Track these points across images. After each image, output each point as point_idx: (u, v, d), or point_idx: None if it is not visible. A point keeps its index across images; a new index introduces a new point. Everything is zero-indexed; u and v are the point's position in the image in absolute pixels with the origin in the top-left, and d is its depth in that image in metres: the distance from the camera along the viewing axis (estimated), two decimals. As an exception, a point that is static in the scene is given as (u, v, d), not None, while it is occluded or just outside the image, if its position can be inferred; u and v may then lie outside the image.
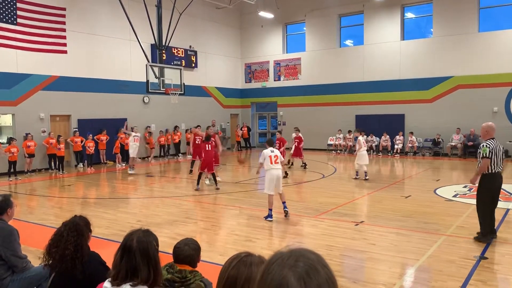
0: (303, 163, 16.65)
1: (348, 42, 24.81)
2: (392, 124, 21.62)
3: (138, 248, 2.50)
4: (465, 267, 5.71)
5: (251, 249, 6.67)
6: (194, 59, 23.63)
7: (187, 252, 3.00)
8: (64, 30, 17.59)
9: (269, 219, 8.48)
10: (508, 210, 9.11)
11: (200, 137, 15.37)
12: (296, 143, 16.24)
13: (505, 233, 7.38)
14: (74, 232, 3.21)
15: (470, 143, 19.29)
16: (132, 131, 16.55)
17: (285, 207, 8.69)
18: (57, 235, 3.26)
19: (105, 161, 18.86)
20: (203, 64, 24.32)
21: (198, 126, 17.01)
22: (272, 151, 8.73)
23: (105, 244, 6.76)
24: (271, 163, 8.56)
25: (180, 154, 21.94)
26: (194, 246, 3.08)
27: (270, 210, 8.52)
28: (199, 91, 23.95)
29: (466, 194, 11.10)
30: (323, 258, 1.05)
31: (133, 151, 16.23)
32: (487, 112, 19.56)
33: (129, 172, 15.84)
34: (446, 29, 20.68)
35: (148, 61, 16.42)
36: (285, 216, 8.66)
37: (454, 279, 5.32)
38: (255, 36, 26.82)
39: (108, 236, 7.36)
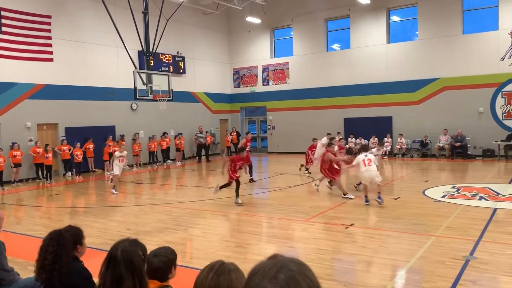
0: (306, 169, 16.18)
1: (335, 46, 25.00)
2: (380, 127, 21.78)
3: (123, 258, 2.48)
4: (454, 267, 5.76)
5: (242, 255, 6.67)
6: (182, 65, 23.60)
7: (155, 264, 2.72)
8: (49, 38, 17.46)
9: (366, 203, 10.01)
10: (495, 209, 9.22)
11: (248, 143, 15.21)
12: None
13: (493, 233, 7.47)
14: (55, 242, 3.13)
15: (458, 144, 19.51)
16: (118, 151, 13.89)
17: (378, 197, 9.97)
18: (41, 245, 3.22)
19: (93, 169, 18.71)
20: (191, 69, 24.30)
21: (249, 132, 16.73)
22: (366, 156, 10.04)
23: (95, 253, 6.68)
24: (364, 165, 9.92)
25: (168, 161, 21.82)
26: (164, 258, 2.80)
27: (366, 196, 10.13)
28: (187, 97, 23.91)
29: (454, 194, 11.21)
30: (308, 267, 1.05)
31: (117, 170, 13.43)
32: (473, 113, 19.85)
33: (114, 192, 13.10)
34: (431, 31, 20.95)
35: (136, 68, 16.37)
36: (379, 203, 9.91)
37: (444, 280, 5.37)
38: (243, 41, 26.89)
39: (98, 245, 7.28)
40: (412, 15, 21.85)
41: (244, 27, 26.08)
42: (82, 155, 17.81)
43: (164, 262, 2.79)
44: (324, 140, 15.96)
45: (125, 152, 13.67)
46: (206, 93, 25.65)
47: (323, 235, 7.77)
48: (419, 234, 7.53)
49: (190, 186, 14.92)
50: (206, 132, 24.17)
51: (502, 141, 18.94)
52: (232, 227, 8.76)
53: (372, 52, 22.41)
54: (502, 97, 19.46)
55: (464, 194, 11.17)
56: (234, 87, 27.61)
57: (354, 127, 22.73)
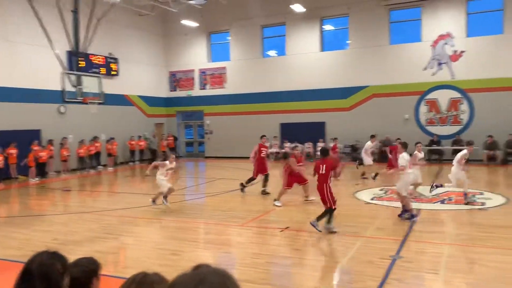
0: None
1: (273, 52, 25.44)
2: (315, 132, 22.42)
3: (38, 271, 2.29)
4: (382, 267, 6.02)
5: (176, 263, 6.52)
6: (115, 66, 22.75)
7: (74, 274, 2.51)
8: (-34, 34, 16.09)
9: (414, 219, 8.60)
10: (420, 210, 9.79)
11: (266, 150, 13.23)
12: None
13: (417, 232, 7.92)
14: None
15: (385, 148, 20.56)
16: (166, 161, 11.06)
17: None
18: None
19: (16, 176, 17.42)
20: (125, 72, 23.48)
21: (264, 136, 13.67)
22: (409, 155, 9.10)
23: (15, 266, 6.20)
24: (410, 166, 9.10)
25: (99, 166, 20.87)
26: (84, 268, 2.61)
27: (408, 210, 8.77)
28: (121, 100, 23.10)
29: (382, 197, 11.78)
30: (231, 279, 1.01)
31: (163, 187, 10.68)
32: (399, 119, 21.06)
33: (166, 204, 10.59)
34: (361, 41, 21.99)
35: (64, 69, 15.55)
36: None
37: (372, 279, 5.59)
38: (179, 44, 26.51)
39: (19, 257, 6.74)
40: (344, 25, 22.78)
41: (181, 30, 25.73)
42: (3, 161, 16.54)
43: (84, 272, 2.59)
44: (368, 144, 15.59)
45: (174, 163, 10.90)
46: (141, 96, 24.94)
47: (258, 239, 7.81)
48: (350, 236, 7.80)
49: (123, 193, 14.39)
50: (142, 136, 23.48)
51: (425, 146, 20.24)
52: (166, 234, 8.55)
53: (307, 60, 23.07)
54: (425, 105, 20.85)
55: (392, 196, 11.75)
56: (170, 91, 27.12)
57: (289, 132, 23.21)
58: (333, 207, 7.88)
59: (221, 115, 25.47)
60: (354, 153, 21.70)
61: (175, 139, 25.94)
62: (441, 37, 20.38)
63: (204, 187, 15.54)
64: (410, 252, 6.73)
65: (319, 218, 7.90)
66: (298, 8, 21.34)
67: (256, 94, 24.37)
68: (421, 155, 11.33)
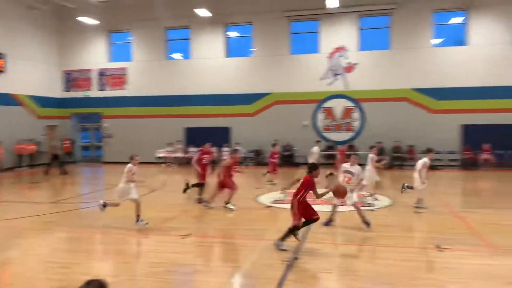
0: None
1: (178, 55, 25.06)
2: (220, 137, 22.49)
3: None
4: (280, 269, 6.20)
5: (65, 276, 6.05)
6: (1, 63, 20.57)
7: None
8: None
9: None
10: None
11: (210, 156, 12.18)
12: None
13: (314, 233, 8.31)
14: None
15: (286, 153, 21.41)
16: (131, 163, 9.49)
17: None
18: None
19: None
20: (12, 69, 21.33)
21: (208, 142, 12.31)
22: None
23: None
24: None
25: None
26: None
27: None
28: (6, 100, 20.96)
29: (283, 200, 12.17)
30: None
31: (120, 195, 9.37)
32: (298, 126, 22.07)
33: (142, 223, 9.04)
34: (264, 49, 22.68)
35: None
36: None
37: (272, 282, 5.72)
38: (76, 42, 24.86)
39: None
40: (248, 33, 23.27)
41: (78, 27, 24.15)
42: None
43: None
44: (316, 148, 15.89)
45: (135, 167, 9.37)
46: (30, 96, 22.89)
47: (158, 248, 7.57)
48: (251, 239, 7.94)
49: (9, 202, 13.04)
50: (32, 139, 21.48)
51: (322, 151, 21.41)
52: (57, 246, 7.89)
53: (212, 64, 23.13)
54: (322, 112, 22.13)
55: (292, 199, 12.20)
56: (65, 91, 25.29)
57: (194, 137, 23.00)
58: (298, 223, 7.06)
59: (121, 118, 24.39)
60: (258, 157, 22.22)
61: (73, 142, 24.24)
62: (337, 49, 21.83)
63: (102, 194, 14.68)
64: (306, 254, 7.01)
65: (286, 236, 7.11)
66: (203, 12, 21.33)
67: (160, 97, 23.80)
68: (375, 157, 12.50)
